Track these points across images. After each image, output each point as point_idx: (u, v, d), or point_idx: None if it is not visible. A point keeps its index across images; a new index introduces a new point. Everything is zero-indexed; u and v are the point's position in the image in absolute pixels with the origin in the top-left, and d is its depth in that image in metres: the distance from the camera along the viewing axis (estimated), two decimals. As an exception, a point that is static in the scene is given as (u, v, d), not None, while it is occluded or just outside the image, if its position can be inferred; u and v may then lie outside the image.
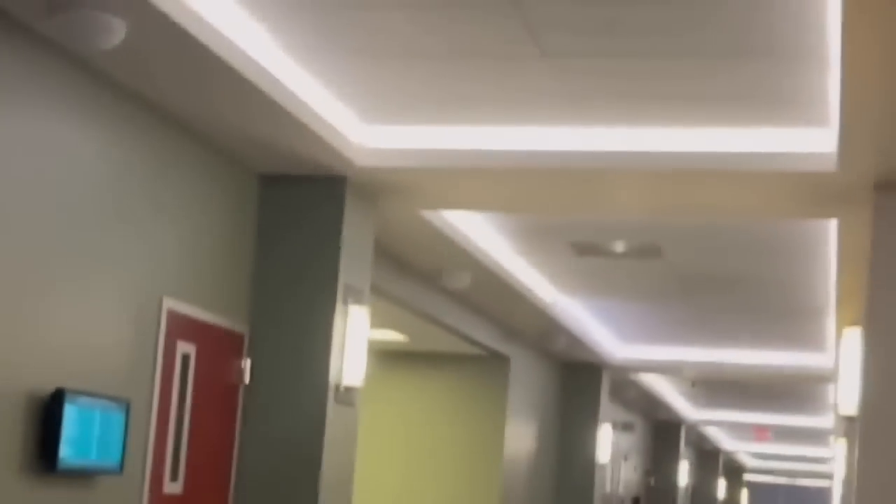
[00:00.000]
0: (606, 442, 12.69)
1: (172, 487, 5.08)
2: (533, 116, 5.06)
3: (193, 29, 3.97)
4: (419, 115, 5.16)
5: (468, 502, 10.56)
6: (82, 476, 4.40)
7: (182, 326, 5.07)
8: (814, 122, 4.79)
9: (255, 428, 5.54)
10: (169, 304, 4.96)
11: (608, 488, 14.46)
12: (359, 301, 5.78)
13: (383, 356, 10.07)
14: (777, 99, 4.63)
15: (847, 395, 6.37)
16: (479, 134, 5.24)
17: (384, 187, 5.70)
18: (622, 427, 15.07)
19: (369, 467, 9.97)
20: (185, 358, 5.13)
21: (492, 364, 10.34)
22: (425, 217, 6.30)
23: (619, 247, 7.41)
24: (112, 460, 4.51)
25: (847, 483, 9.92)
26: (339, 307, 5.60)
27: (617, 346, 11.78)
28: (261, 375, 5.56)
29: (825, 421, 16.44)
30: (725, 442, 23.37)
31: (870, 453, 5.05)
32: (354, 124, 5.24)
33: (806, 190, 5.21)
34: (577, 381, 12.21)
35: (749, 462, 28.77)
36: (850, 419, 7.04)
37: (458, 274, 7.55)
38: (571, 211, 6.40)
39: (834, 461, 15.14)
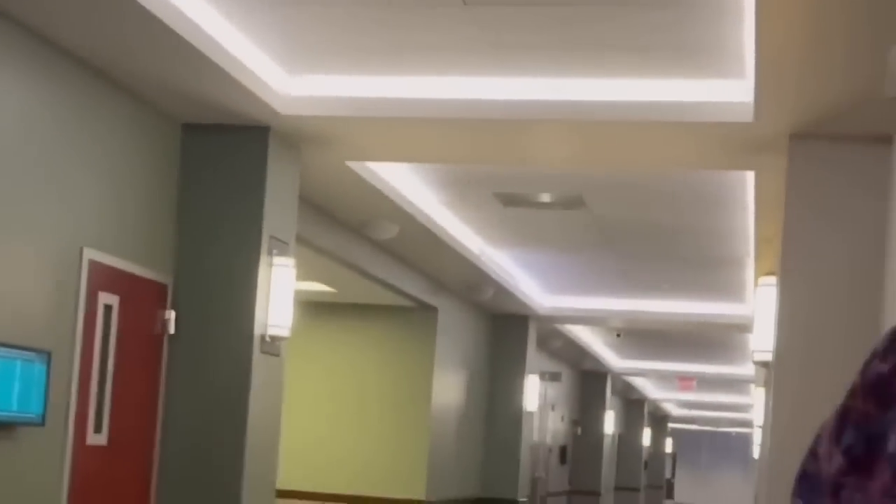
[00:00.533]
0: (534, 392, 12.84)
1: (97, 439, 5.07)
2: (457, 66, 5.08)
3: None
4: (343, 65, 5.15)
5: (397, 452, 10.65)
6: (3, 428, 4.38)
7: (104, 277, 5.04)
8: (731, 74, 4.86)
9: (180, 378, 5.54)
10: (90, 254, 4.92)
11: (535, 437, 14.65)
12: (284, 252, 5.78)
13: (312, 308, 10.06)
14: (696, 50, 4.69)
15: (762, 343, 6.52)
16: (404, 84, 5.24)
17: (308, 137, 5.69)
18: (549, 377, 15.24)
19: (298, 417, 10.00)
20: (108, 309, 5.11)
21: (420, 315, 10.39)
22: (351, 167, 6.30)
23: (544, 197, 7.47)
24: (33, 412, 4.49)
25: (765, 429, 10.15)
26: (263, 258, 5.60)
27: (543, 297, 11.90)
28: (185, 326, 5.55)
29: (747, 369, 16.76)
30: (651, 391, 23.75)
31: (782, 398, 5.18)
32: (278, 73, 5.22)
33: (723, 140, 5.30)
34: (505, 331, 12.33)
35: (674, 411, 29.27)
36: (766, 366, 7.20)
37: (384, 225, 7.56)
38: (496, 161, 6.44)
39: (754, 408, 15.47)
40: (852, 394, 0.88)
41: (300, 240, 6.31)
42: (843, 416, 0.87)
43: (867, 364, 0.89)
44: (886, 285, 4.81)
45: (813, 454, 0.90)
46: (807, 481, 0.88)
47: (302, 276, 6.82)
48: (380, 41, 4.84)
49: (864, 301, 4.90)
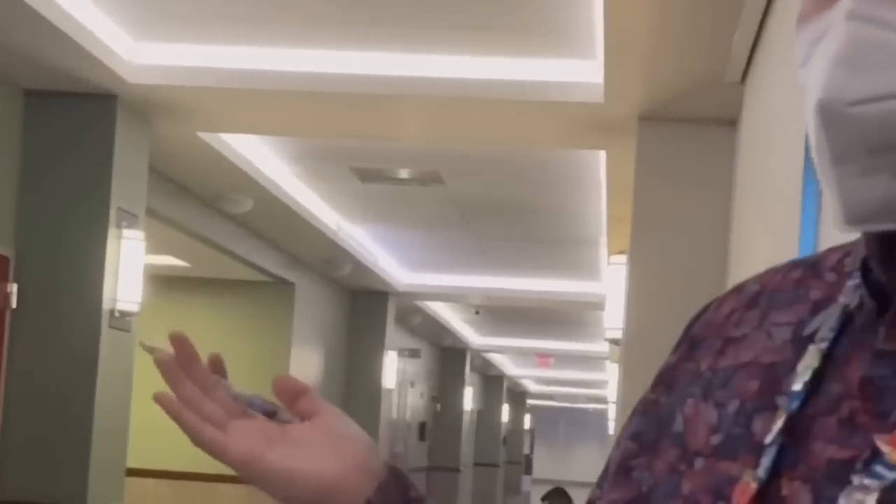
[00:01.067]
0: (392, 368, 12.87)
1: (-69, 415, 4.88)
2: (310, 38, 5.02)
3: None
4: (195, 33, 5.04)
5: (252, 429, 10.54)
6: None
7: (-61, 248, 4.85)
8: (582, 54, 4.92)
9: (24, 354, 5.37)
10: (-76, 224, 4.73)
11: (395, 414, 14.70)
12: (133, 224, 5.65)
13: (165, 282, 9.88)
14: (549, 29, 4.74)
15: (614, 320, 6.66)
16: (257, 55, 5.16)
17: (159, 107, 5.55)
18: (408, 353, 15.30)
19: (150, 396, 9.81)
20: (-56, 281, 4.92)
21: (276, 290, 10.30)
22: (203, 139, 6.18)
23: (402, 173, 7.47)
24: None
25: (618, 405, 10.38)
26: (111, 230, 5.46)
27: (402, 274, 11.92)
28: (29, 300, 5.38)
29: (602, 346, 17.11)
30: (509, 368, 24.06)
31: (631, 375, 5.30)
32: (126, 40, 5.08)
33: (575, 120, 5.37)
34: (364, 307, 12.31)
35: (532, 387, 29.72)
36: (618, 343, 7.35)
37: (239, 198, 7.46)
38: (351, 136, 6.41)
39: (608, 385, 15.81)
40: (649, 389, 0.91)
41: (151, 212, 6.17)
42: (634, 409, 0.90)
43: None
44: (730, 263, 4.95)
45: (618, 443, 0.94)
46: (608, 469, 0.92)
47: (153, 249, 6.68)
48: (232, 10, 4.75)
49: (709, 279, 5.03)
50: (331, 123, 5.89)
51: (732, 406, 0.77)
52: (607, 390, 18.44)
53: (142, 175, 5.78)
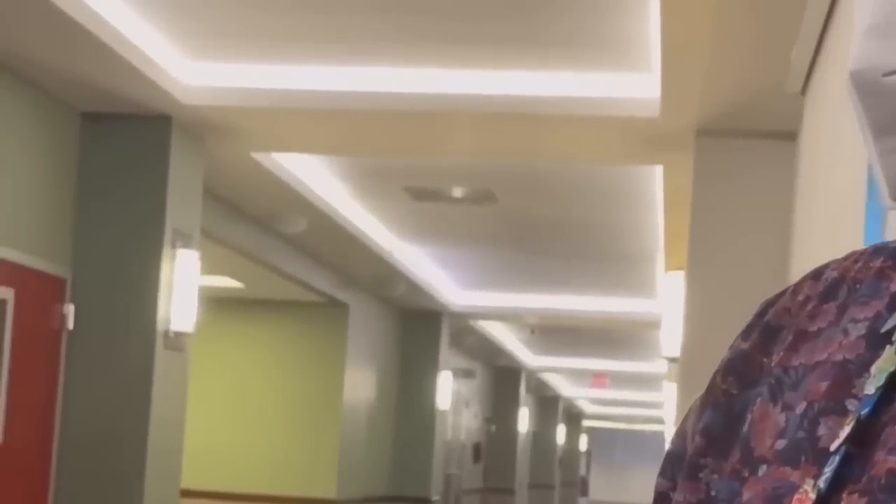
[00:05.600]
0: (447, 389, 12.81)
1: (-10, 437, 4.91)
2: (365, 57, 5.01)
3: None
4: (248, 53, 5.05)
5: (307, 452, 10.55)
6: None
7: (-3, 269, 4.88)
8: (638, 68, 4.87)
9: (80, 374, 5.40)
10: (-18, 245, 4.77)
11: (449, 435, 14.63)
12: (188, 245, 5.67)
13: (219, 303, 9.92)
14: (604, 44, 4.69)
15: (670, 338, 6.57)
16: (310, 74, 5.16)
17: (212, 128, 5.57)
18: (463, 374, 15.23)
19: (204, 415, 9.85)
20: (2, 303, 4.95)
21: (330, 311, 10.30)
22: (257, 159, 6.20)
23: (455, 192, 7.44)
24: (-79, 408, 4.33)
25: (676, 425, 10.21)
26: (166, 251, 5.48)
27: (456, 293, 11.87)
28: (85, 321, 5.41)
29: (659, 366, 16.93)
30: (565, 388, 23.88)
31: (689, 394, 5.20)
32: (180, 61, 5.10)
33: (630, 135, 5.31)
34: (417, 328, 12.27)
35: (588, 408, 29.48)
36: (675, 361, 7.25)
37: (292, 218, 7.46)
38: (404, 154, 6.39)
39: (665, 405, 15.63)
40: (715, 373, 0.85)
41: (205, 233, 6.19)
42: (706, 396, 0.84)
43: (733, 343, 0.86)
44: (790, 279, 4.85)
45: (679, 433, 0.87)
46: (669, 460, 0.86)
47: (208, 269, 6.70)
48: (284, 30, 4.76)
49: (768, 295, 4.93)
50: (384, 142, 5.87)
51: (800, 408, 0.72)
52: (664, 411, 18.24)
53: (196, 196, 5.80)
